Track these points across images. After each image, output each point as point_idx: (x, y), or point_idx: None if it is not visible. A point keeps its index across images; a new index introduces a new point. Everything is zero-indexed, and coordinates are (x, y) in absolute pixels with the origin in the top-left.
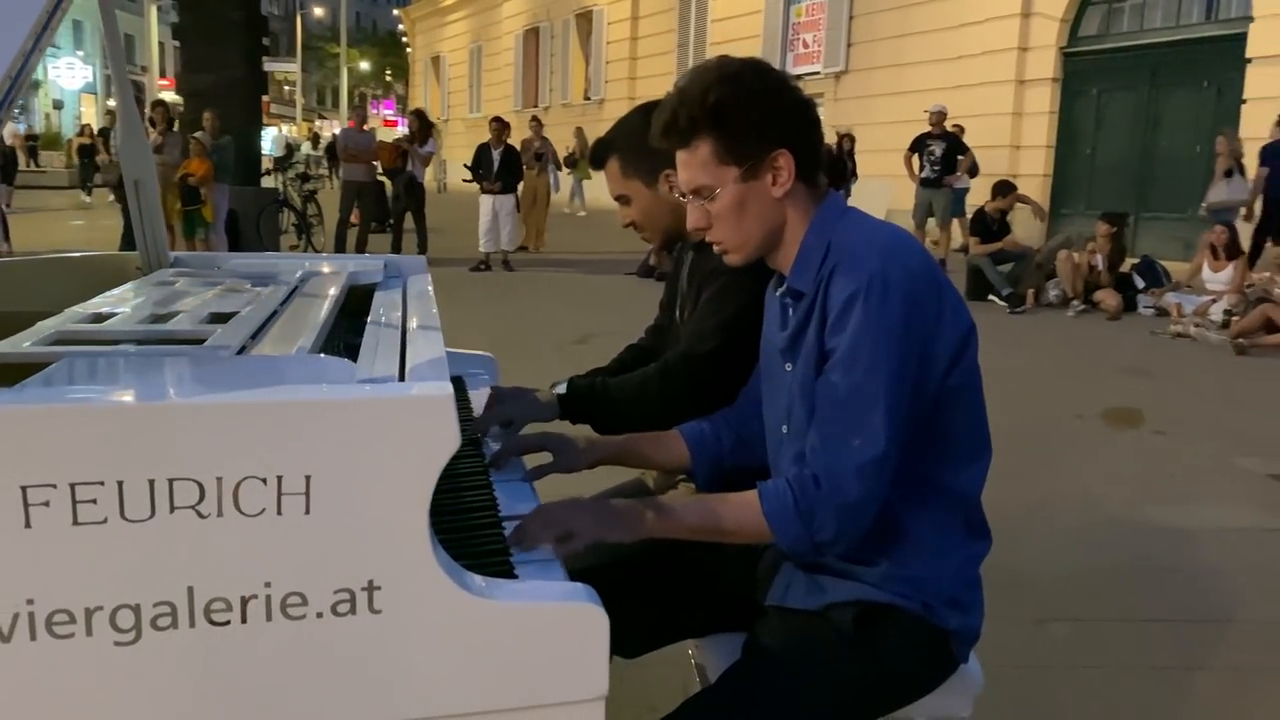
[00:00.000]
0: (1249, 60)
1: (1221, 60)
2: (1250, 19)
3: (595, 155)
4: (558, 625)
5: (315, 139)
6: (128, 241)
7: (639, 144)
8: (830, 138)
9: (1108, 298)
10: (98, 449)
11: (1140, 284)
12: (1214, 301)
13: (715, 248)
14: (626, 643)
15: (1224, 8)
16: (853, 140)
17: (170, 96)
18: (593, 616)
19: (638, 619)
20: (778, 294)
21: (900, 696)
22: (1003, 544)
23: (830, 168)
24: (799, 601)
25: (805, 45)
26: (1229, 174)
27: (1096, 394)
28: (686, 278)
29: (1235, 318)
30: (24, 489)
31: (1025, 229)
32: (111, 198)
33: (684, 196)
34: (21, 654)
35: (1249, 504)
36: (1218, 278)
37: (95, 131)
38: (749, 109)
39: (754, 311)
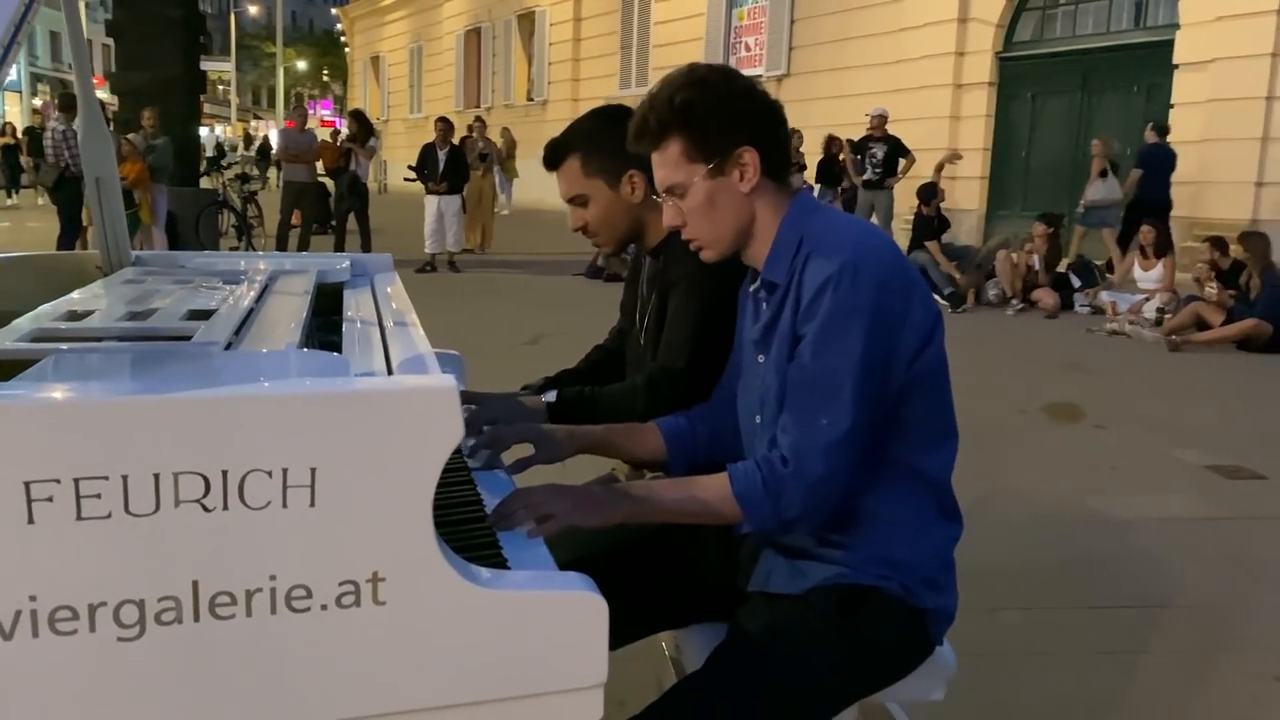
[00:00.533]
0: (1176, 66)
1: (1150, 66)
2: (1177, 26)
3: (551, 155)
4: (559, 614)
5: (248, 139)
6: (63, 244)
7: (602, 144)
8: None
9: (1045, 297)
10: (102, 443)
11: (1076, 283)
12: (1147, 300)
13: (691, 245)
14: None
15: (1152, 15)
16: (801, 138)
17: (102, 95)
18: (592, 604)
19: (617, 611)
20: (751, 290)
21: (881, 676)
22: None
23: (822, 168)
24: (781, 587)
25: (748, 48)
26: (1104, 174)
27: (1037, 390)
28: (646, 284)
29: (1168, 315)
30: (27, 484)
31: (965, 229)
32: (44, 200)
33: (658, 196)
34: (24, 652)
35: (1187, 494)
36: (1148, 276)
37: (19, 131)
38: (713, 108)
39: (718, 313)
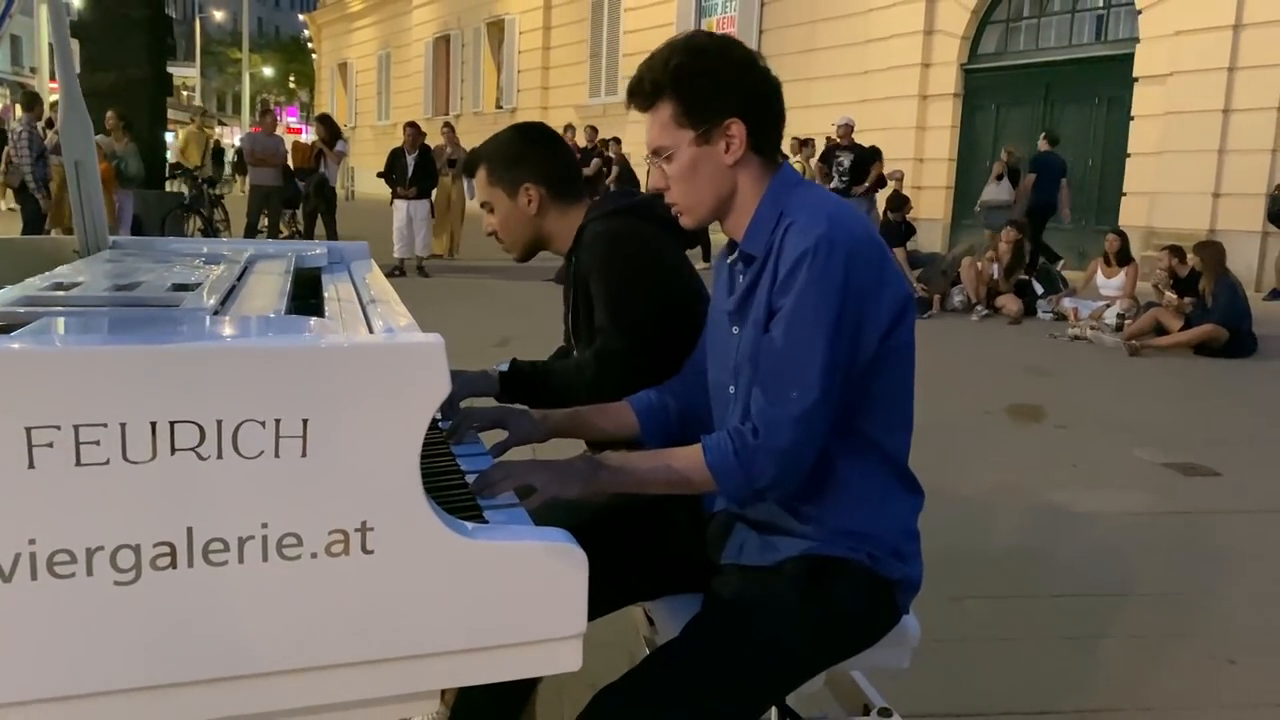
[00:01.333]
0: (1136, 79)
1: (1111, 78)
2: (1137, 40)
3: (467, 164)
4: (540, 564)
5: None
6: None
7: (506, 155)
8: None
9: (1009, 303)
10: (102, 391)
11: (1039, 290)
12: (1108, 306)
13: (673, 209)
14: None
15: (1113, 29)
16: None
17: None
18: (571, 555)
19: (591, 582)
20: (728, 261)
21: (851, 643)
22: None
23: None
24: (753, 559)
25: None
26: (1000, 178)
27: (1001, 392)
28: (569, 284)
29: (1128, 321)
30: (28, 430)
31: (928, 236)
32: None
33: (646, 157)
34: (22, 593)
35: (1145, 490)
36: (1110, 283)
37: None
38: (707, 76)
39: (634, 286)
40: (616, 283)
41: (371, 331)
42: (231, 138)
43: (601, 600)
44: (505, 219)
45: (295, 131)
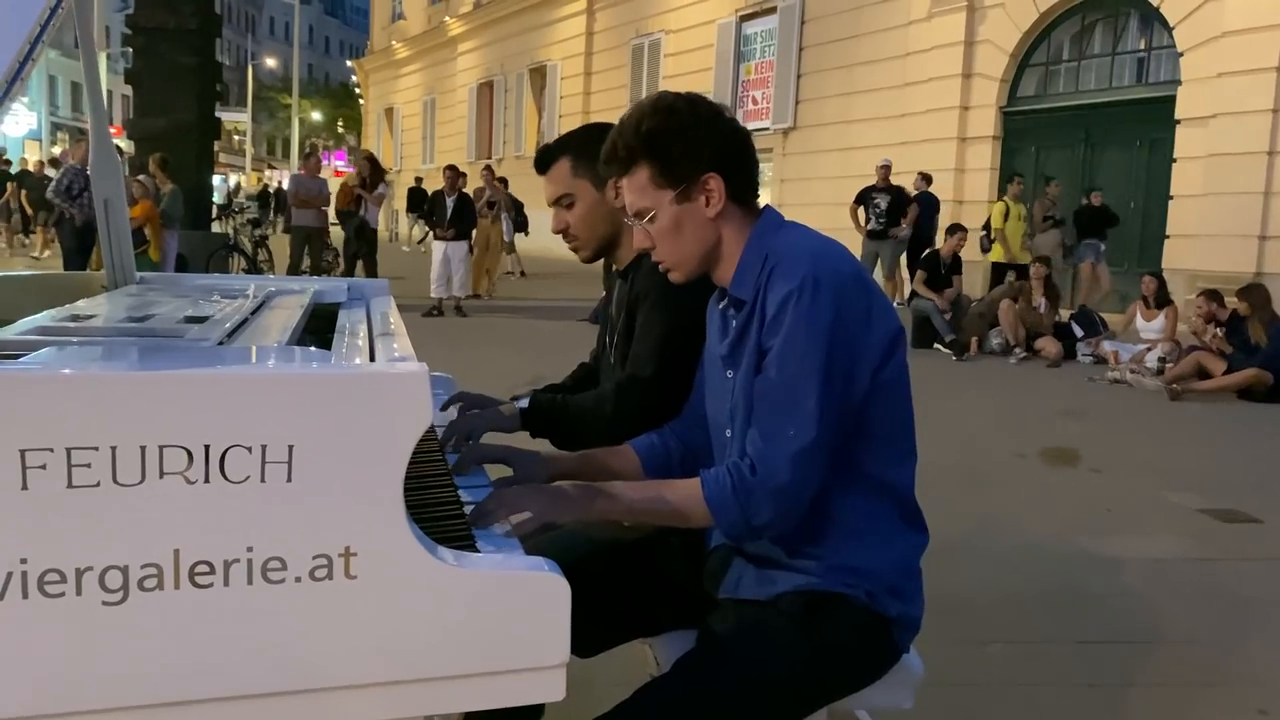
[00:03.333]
0: (1178, 121)
1: (1152, 121)
2: (1179, 82)
3: (542, 158)
4: (522, 593)
5: (238, 188)
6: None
7: (593, 149)
8: (775, 193)
9: (1048, 345)
10: (94, 415)
11: (1079, 333)
12: (1149, 349)
13: (660, 266)
14: (581, 641)
15: (1154, 72)
16: None
17: (120, 143)
18: (554, 585)
19: (591, 617)
20: (720, 307)
21: (846, 682)
22: (944, 570)
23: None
24: (750, 593)
25: (755, 102)
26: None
27: (1036, 435)
28: (616, 305)
29: (1169, 365)
30: (22, 452)
31: (970, 281)
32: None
33: (629, 220)
34: (13, 611)
35: (1179, 535)
36: (1150, 326)
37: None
38: (679, 136)
39: (685, 328)
40: (668, 319)
41: (373, 362)
42: (281, 180)
43: (603, 635)
44: (588, 211)
45: (342, 175)
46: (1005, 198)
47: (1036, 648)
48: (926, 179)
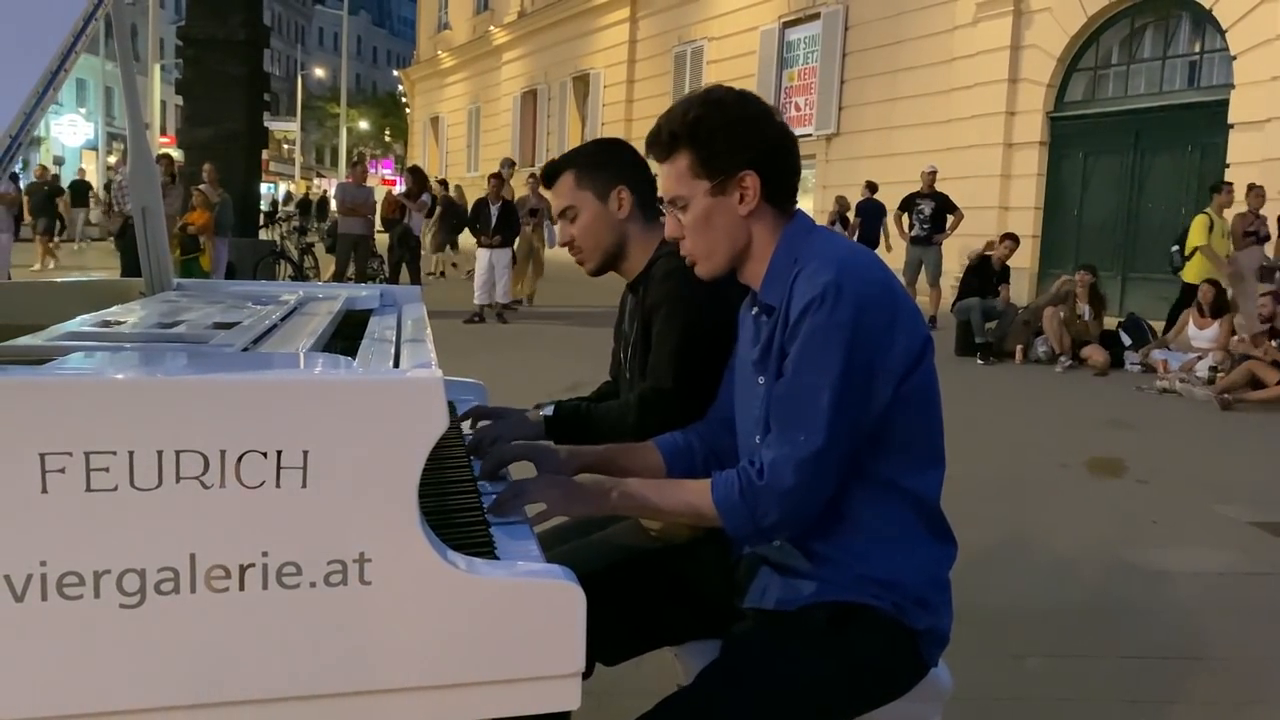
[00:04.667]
0: (1231, 125)
1: (1204, 125)
2: (1232, 86)
3: (549, 171)
4: (536, 601)
5: (288, 197)
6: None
7: (596, 161)
8: (817, 199)
9: (1095, 354)
10: (112, 420)
11: (1127, 341)
12: (1200, 358)
13: (687, 259)
14: (606, 649)
15: (1206, 76)
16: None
17: (172, 152)
18: (569, 593)
19: (617, 625)
20: (752, 313)
21: (872, 696)
22: (984, 582)
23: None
24: (775, 603)
25: (798, 108)
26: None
27: (1081, 445)
28: (628, 318)
29: (1220, 374)
30: (43, 456)
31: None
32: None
33: (662, 205)
34: (33, 614)
35: (1228, 549)
36: (1203, 335)
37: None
38: (723, 129)
39: (700, 336)
40: (682, 327)
41: (397, 367)
42: (325, 188)
43: (628, 643)
44: (591, 223)
45: (390, 184)
46: (1209, 209)
47: (1075, 662)
48: (871, 188)
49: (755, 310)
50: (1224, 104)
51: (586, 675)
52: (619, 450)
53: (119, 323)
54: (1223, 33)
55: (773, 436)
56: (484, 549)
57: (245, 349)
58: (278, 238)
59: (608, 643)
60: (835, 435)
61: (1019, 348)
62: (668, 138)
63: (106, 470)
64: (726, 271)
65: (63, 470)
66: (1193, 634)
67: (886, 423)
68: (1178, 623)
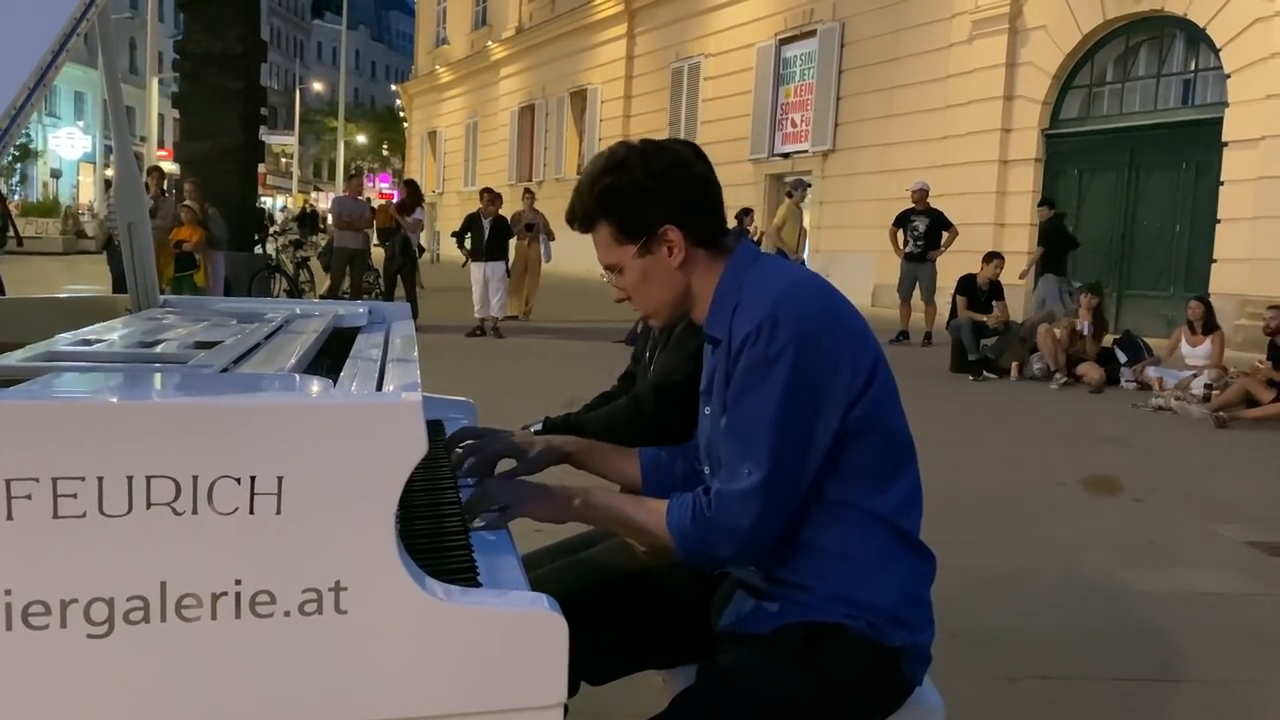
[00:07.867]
0: (1226, 143)
1: (1199, 143)
2: (1226, 104)
3: (582, 216)
4: (517, 631)
5: (285, 212)
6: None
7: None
8: (814, 215)
9: (1090, 371)
10: (80, 445)
11: (1123, 358)
12: (1195, 376)
13: (638, 314)
14: (592, 668)
15: (1200, 94)
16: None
17: (169, 166)
18: (551, 623)
19: (601, 644)
20: (706, 345)
21: (853, 716)
22: (979, 603)
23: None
24: (749, 626)
25: (794, 125)
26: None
27: (1077, 463)
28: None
29: (1216, 391)
30: (8, 482)
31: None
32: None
33: (601, 275)
34: None
35: (1226, 569)
36: (1195, 352)
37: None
38: (633, 194)
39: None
40: (700, 335)
41: (380, 389)
42: (320, 201)
43: (613, 663)
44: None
45: (387, 197)
46: None
47: (1069, 684)
48: (747, 212)
49: (706, 342)
50: (1218, 122)
51: (571, 694)
52: (600, 447)
53: (99, 341)
54: (1217, 51)
55: (721, 468)
56: (466, 574)
57: (225, 369)
58: (274, 252)
59: (592, 661)
60: (780, 465)
61: (1015, 364)
62: (583, 214)
63: (75, 496)
64: (678, 319)
65: (29, 496)
66: (1189, 656)
67: (840, 450)
68: (1174, 644)
